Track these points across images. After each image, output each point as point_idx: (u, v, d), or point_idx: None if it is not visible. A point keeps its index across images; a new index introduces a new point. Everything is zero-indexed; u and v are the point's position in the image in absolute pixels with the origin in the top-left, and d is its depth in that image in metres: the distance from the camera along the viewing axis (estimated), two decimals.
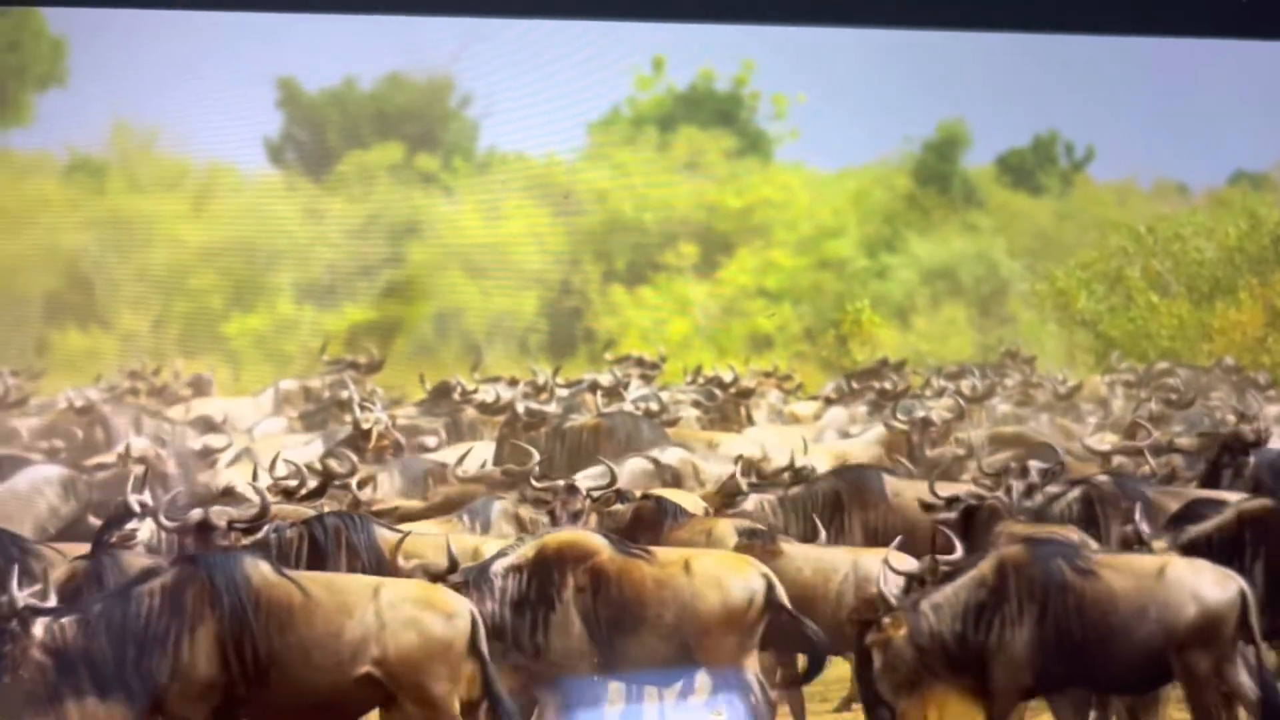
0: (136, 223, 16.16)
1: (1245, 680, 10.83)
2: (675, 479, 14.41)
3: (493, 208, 16.91)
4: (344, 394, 16.13)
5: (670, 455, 14.76)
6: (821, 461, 14.69)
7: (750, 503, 13.36)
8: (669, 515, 12.87)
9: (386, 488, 14.20)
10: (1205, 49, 15.35)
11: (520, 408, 15.73)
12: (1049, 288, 19.06)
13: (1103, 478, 13.34)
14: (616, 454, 14.77)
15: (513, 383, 16.84)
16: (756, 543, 12.41)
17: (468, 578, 10.79)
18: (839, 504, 13.30)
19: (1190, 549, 11.55)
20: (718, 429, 16.78)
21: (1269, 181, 19.12)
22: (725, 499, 13.29)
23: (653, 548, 11.46)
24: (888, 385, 17.38)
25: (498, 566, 10.91)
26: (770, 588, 11.18)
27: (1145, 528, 11.82)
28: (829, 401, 17.63)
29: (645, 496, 13.11)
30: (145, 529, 11.54)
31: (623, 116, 17.25)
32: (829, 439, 16.36)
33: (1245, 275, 19.02)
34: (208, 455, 14.85)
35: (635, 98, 17.26)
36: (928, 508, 12.62)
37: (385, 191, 16.69)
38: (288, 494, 12.50)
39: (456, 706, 10.21)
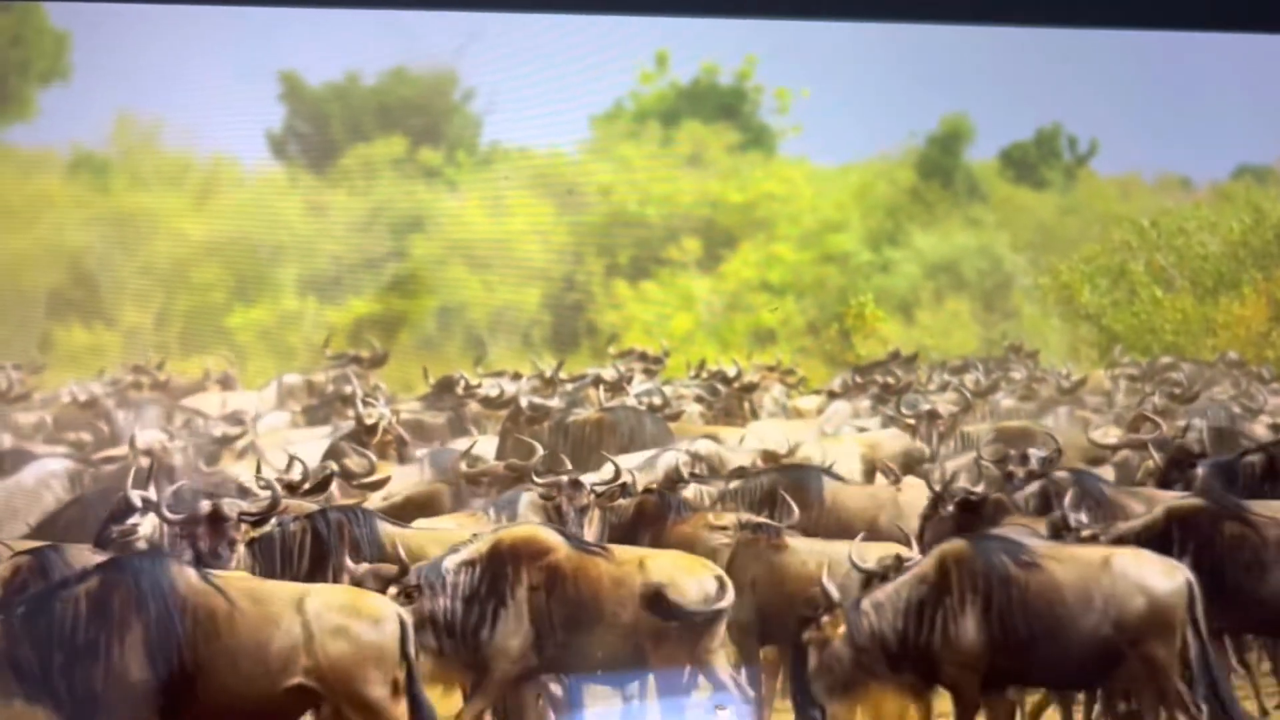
0: (140, 217, 16.16)
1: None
2: (712, 471, 14.39)
3: (496, 202, 16.91)
4: (347, 389, 16.12)
5: (701, 447, 14.77)
6: (853, 451, 14.70)
7: (690, 492, 13.33)
8: (672, 510, 12.86)
9: (417, 478, 14.14)
10: (1208, 42, 15.33)
11: (523, 402, 15.73)
12: (1052, 282, 19.04)
13: (1062, 473, 13.30)
14: (619, 449, 14.77)
15: (515, 377, 16.84)
16: (761, 536, 12.41)
17: (421, 577, 10.68)
18: (774, 501, 13.27)
19: (1119, 545, 11.48)
20: (721, 424, 16.77)
21: (1273, 175, 19.11)
22: (666, 487, 13.25)
23: (610, 545, 11.37)
24: (891, 380, 17.37)
25: (450, 562, 10.82)
26: (722, 588, 11.09)
27: (1073, 515, 11.78)
28: (832, 395, 17.61)
29: (648, 491, 13.10)
30: (147, 524, 11.52)
31: (626, 111, 17.24)
32: (846, 432, 16.33)
33: (1249, 269, 19.00)
34: (225, 443, 14.84)
35: (638, 92, 17.27)
36: (935, 501, 12.58)
37: (388, 186, 16.69)
38: (291, 488, 12.48)
39: (400, 706, 10.09)
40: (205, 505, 11.22)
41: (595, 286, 17.39)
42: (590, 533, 12.64)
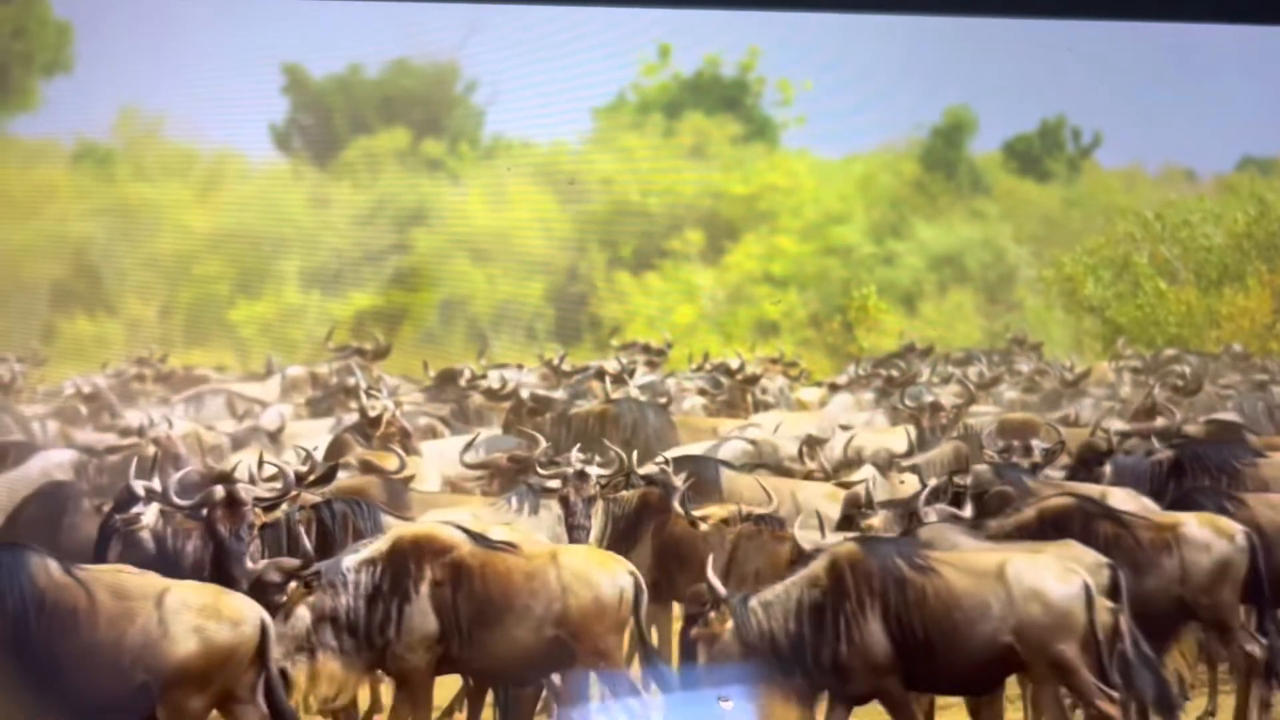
0: (143, 210, 16.16)
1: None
2: (773, 458, 14.35)
3: (499, 194, 16.91)
4: (350, 381, 16.11)
5: (755, 435, 14.78)
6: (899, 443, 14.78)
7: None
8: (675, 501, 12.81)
9: (470, 460, 14.01)
10: (1213, 34, 15.32)
11: (524, 394, 15.72)
12: (1056, 274, 19.03)
13: (982, 466, 13.23)
14: (622, 442, 14.74)
15: (519, 368, 16.84)
16: (765, 528, 12.38)
17: (322, 573, 10.52)
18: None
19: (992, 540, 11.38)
20: (724, 416, 16.77)
21: (1277, 167, 19.08)
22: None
23: (517, 541, 11.14)
24: (895, 373, 17.36)
25: (351, 561, 10.61)
26: (637, 586, 10.93)
27: (923, 508, 11.69)
28: (835, 388, 17.60)
29: (650, 482, 13.07)
30: (151, 513, 11.50)
31: (628, 103, 17.23)
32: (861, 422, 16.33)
33: (1253, 261, 18.98)
34: (262, 435, 14.85)
35: (641, 84, 17.26)
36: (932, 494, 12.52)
37: (391, 178, 16.69)
38: (298, 478, 12.44)
39: (250, 713, 9.89)
40: (219, 490, 11.16)
41: (598, 278, 17.39)
42: (594, 524, 12.63)
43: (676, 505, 12.31)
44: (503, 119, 16.53)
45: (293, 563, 10.58)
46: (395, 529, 11.05)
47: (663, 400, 16.02)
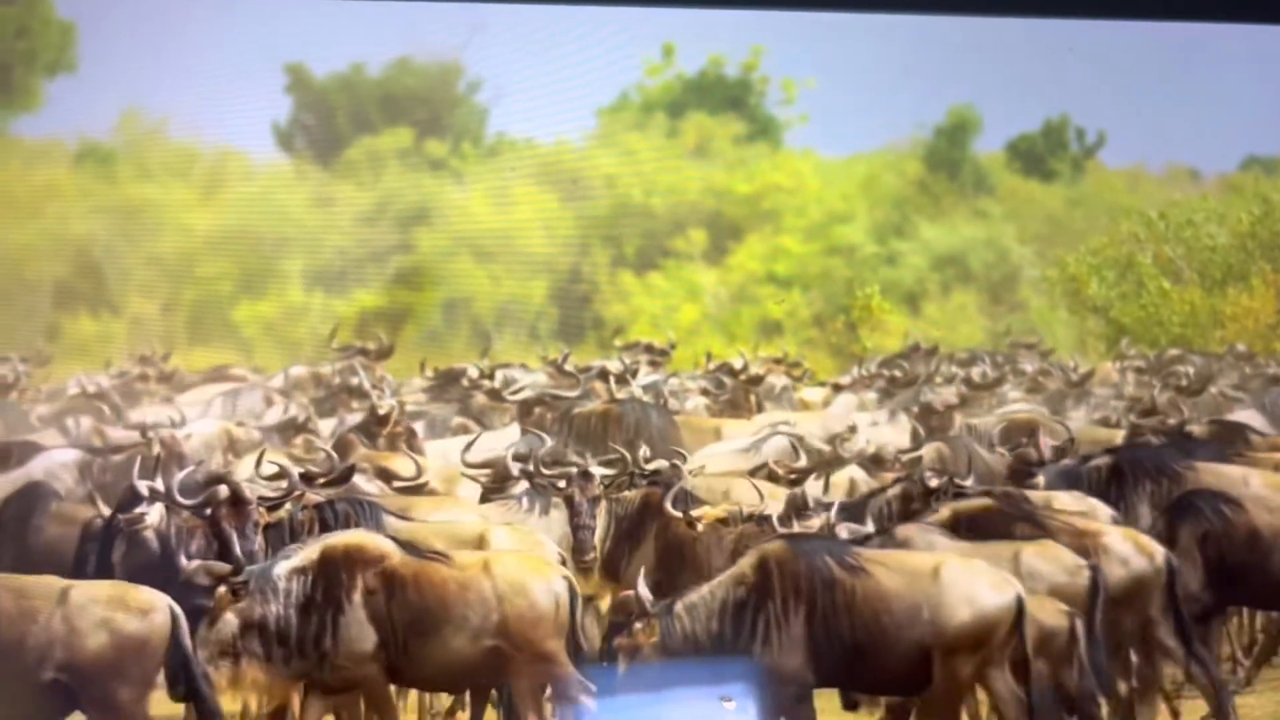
0: (146, 209, 16.17)
1: (1006, 688, 10.47)
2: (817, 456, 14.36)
3: (502, 194, 16.91)
4: (354, 380, 16.10)
5: (799, 430, 14.81)
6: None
7: (519, 488, 13.21)
8: (678, 502, 12.79)
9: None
10: (1217, 33, 15.30)
11: (532, 394, 15.67)
12: (1060, 274, 19.02)
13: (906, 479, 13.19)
14: (625, 442, 14.71)
15: (522, 367, 16.82)
16: (767, 528, 12.35)
17: (252, 580, 10.33)
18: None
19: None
20: (727, 416, 16.74)
21: None
22: (496, 483, 13.15)
23: (448, 551, 10.95)
24: (898, 373, 17.34)
25: (281, 569, 10.42)
26: (572, 590, 10.77)
27: (812, 497, 11.64)
28: (838, 388, 17.59)
29: (653, 483, 13.04)
30: (154, 512, 11.50)
31: (632, 102, 17.24)
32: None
33: (1257, 261, 18.96)
34: (285, 431, 14.84)
35: (644, 83, 17.26)
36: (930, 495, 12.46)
37: (394, 177, 16.69)
38: (308, 479, 12.43)
39: (146, 709, 9.93)
40: (224, 489, 11.14)
41: (601, 278, 17.38)
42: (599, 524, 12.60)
43: (668, 505, 12.22)
44: (506, 118, 16.55)
45: (223, 567, 10.48)
46: (325, 538, 10.84)
47: (660, 402, 16.02)
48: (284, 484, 11.49)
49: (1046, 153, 18.63)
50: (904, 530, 11.56)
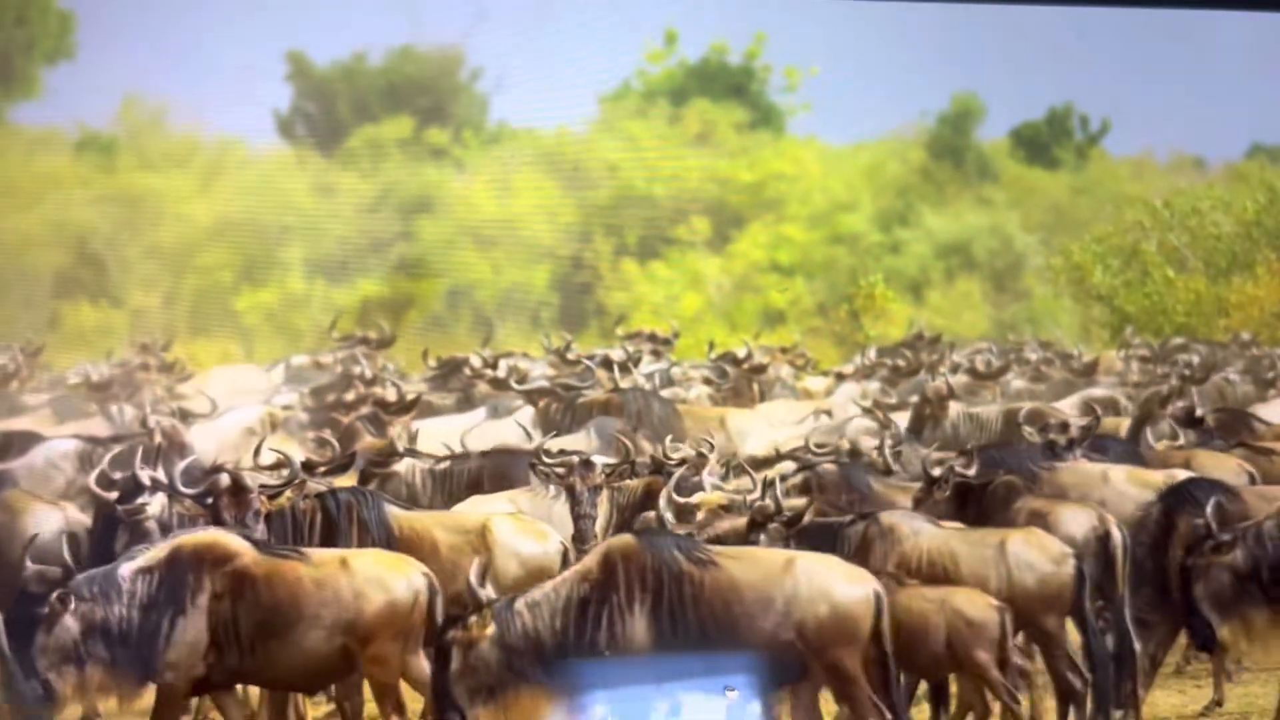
0: (146, 198, 16.14)
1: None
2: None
3: (503, 182, 16.87)
4: (356, 369, 16.07)
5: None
6: None
7: (402, 466, 13.15)
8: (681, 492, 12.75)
9: (584, 445, 13.92)
10: (1222, 21, 15.25)
11: (543, 384, 15.61)
12: (1064, 262, 18.97)
13: (829, 466, 13.08)
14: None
15: (524, 356, 16.79)
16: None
17: (94, 584, 10.09)
18: (479, 484, 13.07)
19: (714, 542, 11.20)
20: (730, 405, 16.70)
21: None
22: (381, 458, 13.10)
23: (304, 548, 10.87)
24: (901, 362, 17.29)
25: (127, 569, 10.21)
26: (432, 588, 10.58)
27: (669, 514, 11.60)
28: (841, 377, 17.54)
29: (655, 472, 13.00)
30: (156, 503, 11.47)
31: (634, 90, 17.19)
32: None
33: (1263, 250, 18.92)
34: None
35: (646, 71, 17.21)
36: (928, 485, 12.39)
37: (396, 166, 16.65)
38: (310, 468, 12.40)
39: None
40: (225, 478, 11.09)
41: (604, 266, 17.34)
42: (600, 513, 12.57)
43: (662, 503, 12.15)
44: (508, 106, 16.51)
45: (55, 571, 10.34)
46: (176, 537, 10.64)
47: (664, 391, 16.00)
48: (285, 472, 11.46)
49: (1051, 140, 18.57)
50: (889, 516, 11.54)
